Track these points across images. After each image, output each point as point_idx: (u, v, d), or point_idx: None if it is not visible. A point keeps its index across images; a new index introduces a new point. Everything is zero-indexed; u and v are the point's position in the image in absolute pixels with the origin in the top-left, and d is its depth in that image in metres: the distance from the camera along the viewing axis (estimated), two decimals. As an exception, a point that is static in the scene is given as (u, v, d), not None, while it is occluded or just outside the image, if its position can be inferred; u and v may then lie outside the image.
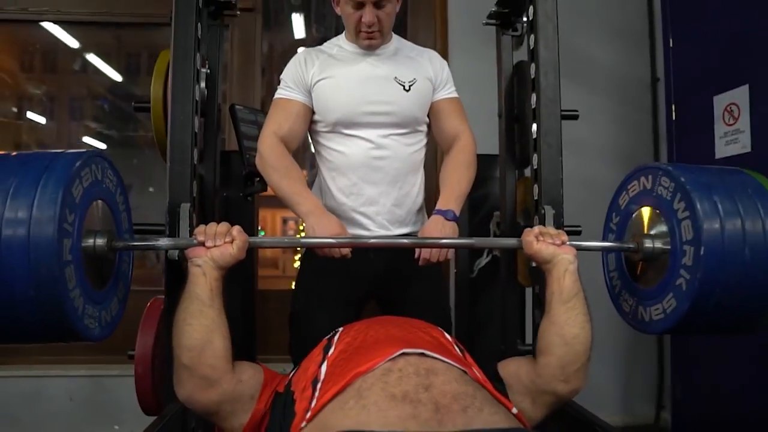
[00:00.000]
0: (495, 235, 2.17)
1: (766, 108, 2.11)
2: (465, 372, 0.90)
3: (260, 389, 1.09)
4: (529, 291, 1.83)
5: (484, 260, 2.21)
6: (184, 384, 1.08)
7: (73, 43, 3.22)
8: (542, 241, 1.23)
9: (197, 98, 1.52)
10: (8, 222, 0.93)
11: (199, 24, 1.52)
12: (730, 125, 2.25)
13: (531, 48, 1.62)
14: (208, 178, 1.78)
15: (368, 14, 1.50)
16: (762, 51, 2.14)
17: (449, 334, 1.20)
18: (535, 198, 1.59)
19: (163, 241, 1.26)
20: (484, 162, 2.27)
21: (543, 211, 1.52)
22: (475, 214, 2.33)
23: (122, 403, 2.53)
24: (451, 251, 1.39)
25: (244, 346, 2.05)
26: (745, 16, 2.23)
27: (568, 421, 1.43)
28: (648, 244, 1.25)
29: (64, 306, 0.96)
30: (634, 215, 1.35)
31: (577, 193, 1.78)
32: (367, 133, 1.55)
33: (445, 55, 2.68)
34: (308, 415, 0.85)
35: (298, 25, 3.41)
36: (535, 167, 1.60)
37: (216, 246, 1.16)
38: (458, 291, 2.41)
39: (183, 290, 1.14)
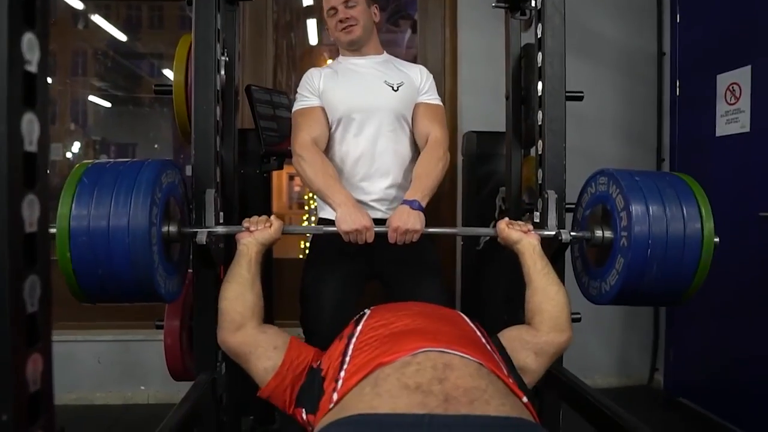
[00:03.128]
0: (501, 210, 2.26)
1: (766, 90, 2.14)
2: (482, 365, 0.98)
3: (285, 348, 1.26)
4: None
5: (489, 233, 2.30)
6: (220, 327, 1.36)
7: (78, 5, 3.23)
8: (511, 228, 1.53)
9: (218, 87, 1.58)
10: (114, 221, 1.23)
11: (218, 15, 1.57)
12: (732, 104, 2.28)
13: (538, 37, 1.67)
14: (227, 158, 1.84)
15: (341, 13, 1.81)
16: (766, 34, 2.15)
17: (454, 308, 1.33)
18: (539, 182, 1.67)
19: (220, 229, 1.52)
20: (491, 139, 2.35)
21: (546, 195, 1.61)
22: (483, 189, 2.42)
23: (148, 365, 2.69)
24: (417, 235, 1.58)
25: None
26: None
27: (561, 388, 1.55)
28: (599, 234, 1.52)
29: (152, 279, 1.28)
30: (594, 209, 1.58)
31: (579, 166, 1.83)
32: (363, 132, 1.78)
33: (454, 31, 2.70)
34: (335, 397, 0.96)
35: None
36: (540, 153, 1.67)
37: (258, 230, 1.48)
38: (465, 263, 2.52)
39: (232, 263, 1.45)
